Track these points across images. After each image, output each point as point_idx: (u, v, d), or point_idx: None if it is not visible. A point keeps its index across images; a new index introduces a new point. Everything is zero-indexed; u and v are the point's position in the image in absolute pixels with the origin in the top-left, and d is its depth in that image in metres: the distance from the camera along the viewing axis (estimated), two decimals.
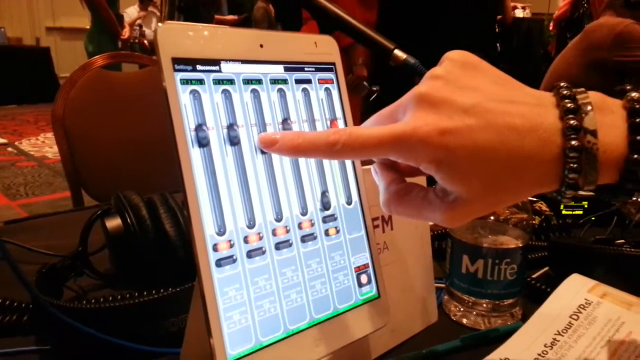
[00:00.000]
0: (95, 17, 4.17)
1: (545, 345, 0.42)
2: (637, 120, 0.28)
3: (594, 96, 0.29)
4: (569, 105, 0.28)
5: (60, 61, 7.25)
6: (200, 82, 0.31)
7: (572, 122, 0.28)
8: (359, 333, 0.36)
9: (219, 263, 0.30)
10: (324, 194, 0.37)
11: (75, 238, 0.54)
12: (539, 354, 0.41)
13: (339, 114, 0.39)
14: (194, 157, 0.30)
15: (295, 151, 0.32)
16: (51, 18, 7.78)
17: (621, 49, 2.00)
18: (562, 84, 0.30)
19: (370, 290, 0.38)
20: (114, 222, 0.52)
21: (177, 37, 0.31)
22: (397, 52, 0.74)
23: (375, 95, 2.10)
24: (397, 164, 0.34)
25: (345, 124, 0.39)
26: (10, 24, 7.26)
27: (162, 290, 0.42)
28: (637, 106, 0.29)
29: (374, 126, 0.32)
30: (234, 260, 0.31)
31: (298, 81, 0.37)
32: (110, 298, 0.42)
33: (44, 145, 4.58)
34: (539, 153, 0.28)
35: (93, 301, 0.42)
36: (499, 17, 5.13)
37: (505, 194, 0.30)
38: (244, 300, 0.31)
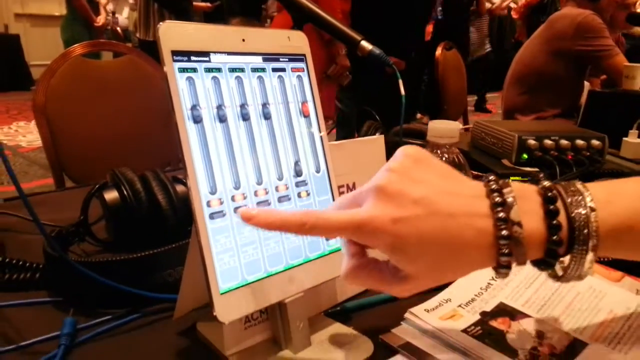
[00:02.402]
0: (69, 4, 4.13)
1: (481, 288, 0.51)
2: (551, 207, 0.35)
3: (516, 186, 0.35)
4: (496, 199, 0.34)
5: (31, 49, 7.10)
6: (194, 70, 0.38)
7: (500, 214, 0.34)
8: (326, 276, 0.44)
9: (212, 216, 0.38)
10: (297, 163, 0.44)
11: (71, 213, 0.61)
12: (475, 295, 0.50)
13: (309, 97, 0.46)
14: (190, 131, 0.37)
15: (269, 226, 0.35)
16: (19, 4, 7.60)
17: (581, 38, 2.11)
18: (491, 177, 0.36)
19: (335, 243, 0.46)
20: (112, 195, 0.58)
21: (175, 33, 0.38)
22: (364, 43, 0.81)
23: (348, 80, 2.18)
24: None
25: (315, 106, 0.46)
26: None
27: (155, 246, 0.49)
28: (549, 194, 0.35)
29: (339, 210, 0.36)
30: (224, 215, 0.38)
31: (274, 70, 0.44)
32: (116, 256, 0.49)
33: (17, 134, 4.53)
34: (475, 240, 0.34)
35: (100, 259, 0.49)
36: (472, 8, 5.25)
37: (447, 273, 0.37)
38: (232, 246, 0.38)
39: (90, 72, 1.44)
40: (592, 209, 0.35)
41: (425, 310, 0.47)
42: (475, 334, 0.44)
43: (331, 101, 2.37)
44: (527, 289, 0.50)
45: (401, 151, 0.37)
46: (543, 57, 2.23)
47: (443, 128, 0.54)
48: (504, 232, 0.33)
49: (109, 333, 0.46)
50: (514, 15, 5.18)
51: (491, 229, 0.34)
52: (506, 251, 0.34)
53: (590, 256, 0.35)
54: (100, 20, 4.40)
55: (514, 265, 0.35)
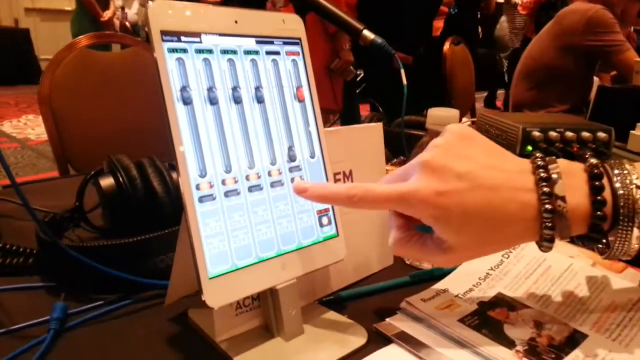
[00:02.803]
0: None
1: (479, 278, 0.49)
2: (597, 183, 0.36)
3: (562, 163, 0.36)
4: (542, 174, 0.35)
5: (41, 43, 7.14)
6: (184, 51, 0.37)
7: (545, 189, 0.35)
8: (320, 264, 0.43)
9: (201, 199, 0.37)
10: (290, 148, 0.43)
11: (68, 200, 0.60)
12: (474, 285, 0.49)
13: (304, 82, 0.45)
14: (179, 113, 0.37)
15: (321, 199, 0.39)
16: None
17: (591, 33, 2.09)
18: (537, 155, 0.37)
19: (330, 230, 0.45)
20: (107, 181, 0.58)
21: (165, 12, 0.37)
22: (366, 32, 0.80)
23: (358, 77, 2.18)
24: None
25: (310, 91, 0.45)
26: None
27: (151, 233, 0.49)
28: (595, 171, 0.36)
29: (388, 184, 0.38)
30: (214, 198, 0.38)
31: (268, 53, 0.43)
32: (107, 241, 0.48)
33: (26, 127, 4.56)
34: (519, 213, 0.35)
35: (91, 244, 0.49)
36: (482, 3, 5.19)
37: (491, 245, 0.38)
38: (222, 231, 0.38)
39: (95, 63, 1.44)
40: (638, 187, 0.36)
41: (422, 299, 0.46)
42: (472, 324, 0.43)
43: (337, 95, 2.35)
44: (527, 279, 0.49)
45: (448, 128, 0.38)
46: (552, 53, 2.20)
47: (442, 115, 0.53)
48: (548, 206, 0.34)
49: (100, 319, 0.45)
50: (522, 11, 5.11)
51: (535, 203, 0.35)
52: (549, 224, 0.35)
53: (636, 232, 0.36)
54: (107, 14, 4.40)
55: (557, 239, 0.36)
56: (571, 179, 0.36)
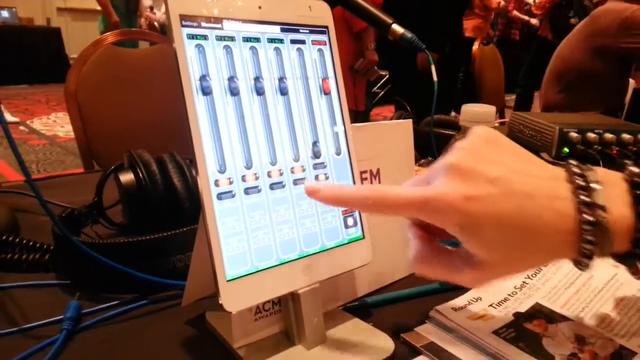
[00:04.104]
0: None
1: (515, 287, 0.46)
2: (639, 192, 0.31)
3: (599, 171, 0.32)
4: (579, 182, 0.31)
5: (71, 42, 7.30)
6: (205, 37, 0.35)
7: (584, 197, 0.31)
8: (344, 267, 0.41)
9: (220, 197, 0.35)
10: (315, 143, 0.41)
11: (88, 196, 0.59)
12: (509, 294, 0.45)
13: (330, 73, 0.43)
14: (198, 104, 0.34)
15: (335, 201, 0.35)
16: None
17: (627, 35, 2.01)
18: (571, 162, 0.33)
19: (355, 232, 0.42)
20: (127, 177, 0.56)
21: None
22: (395, 26, 0.77)
23: (382, 79, 2.15)
24: (429, 224, 0.35)
25: (336, 83, 0.43)
26: (21, 4, 7.30)
27: (170, 231, 0.47)
28: (637, 179, 0.32)
29: (409, 187, 0.34)
30: (233, 195, 0.35)
31: (293, 41, 0.40)
32: (122, 239, 0.47)
33: (55, 125, 4.64)
34: (555, 223, 0.31)
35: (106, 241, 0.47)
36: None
37: (523, 261, 0.33)
38: (241, 230, 0.35)
39: (121, 60, 1.44)
40: None
41: (452, 308, 0.43)
42: (508, 337, 0.40)
43: (361, 96, 2.32)
44: (567, 289, 0.45)
45: (473, 131, 0.35)
46: (582, 54, 2.12)
47: (477, 111, 0.50)
48: (589, 217, 0.30)
49: (115, 319, 0.43)
50: (535, 11, 4.94)
51: (573, 213, 0.31)
52: (590, 238, 0.31)
53: None
54: (114, 17, 4.42)
55: (595, 257, 0.32)
56: (611, 188, 0.32)
